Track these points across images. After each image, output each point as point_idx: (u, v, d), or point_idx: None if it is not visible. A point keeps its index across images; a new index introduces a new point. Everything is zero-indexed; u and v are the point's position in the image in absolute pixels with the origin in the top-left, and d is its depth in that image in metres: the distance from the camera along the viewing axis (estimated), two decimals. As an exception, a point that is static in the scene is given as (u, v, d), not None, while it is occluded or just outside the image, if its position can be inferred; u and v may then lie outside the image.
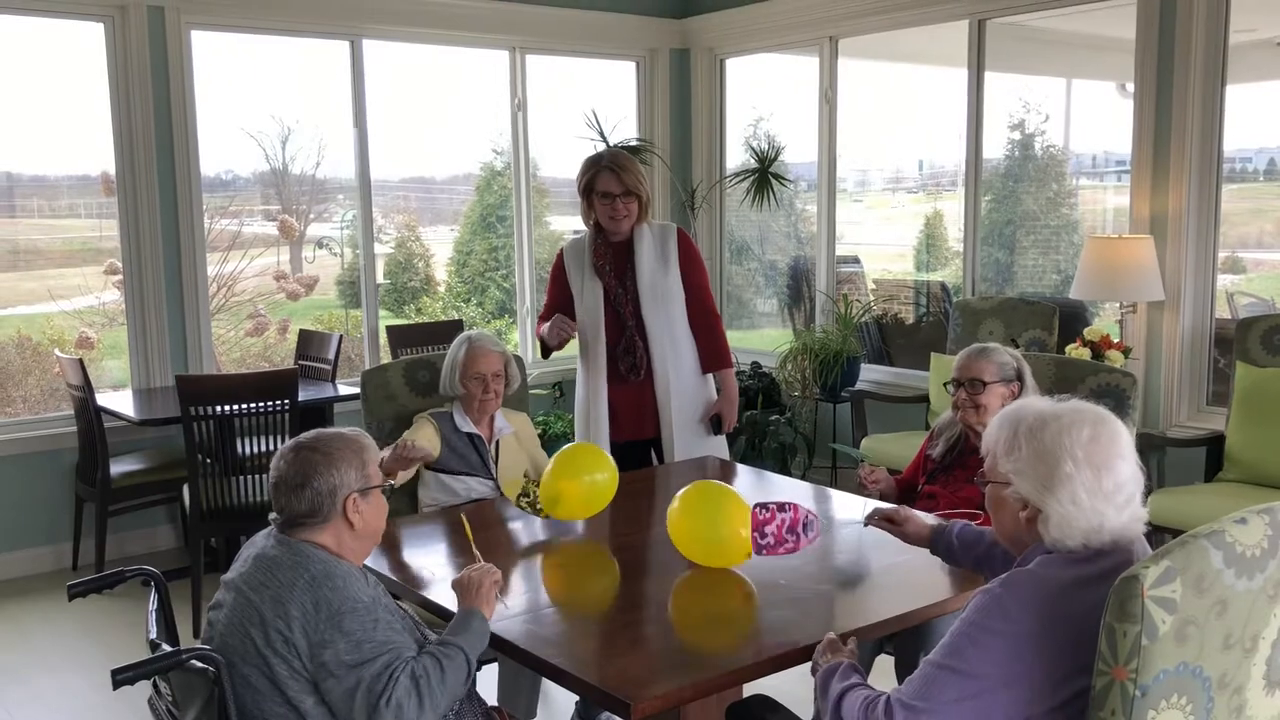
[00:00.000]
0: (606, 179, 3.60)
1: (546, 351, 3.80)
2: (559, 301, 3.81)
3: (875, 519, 2.39)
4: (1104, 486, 1.66)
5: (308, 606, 1.92)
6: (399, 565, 2.62)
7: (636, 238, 3.68)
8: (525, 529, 2.96)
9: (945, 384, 3.03)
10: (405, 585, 2.46)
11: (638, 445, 3.74)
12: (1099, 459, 1.67)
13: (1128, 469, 1.69)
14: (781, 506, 2.22)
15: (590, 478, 2.80)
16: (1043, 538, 1.70)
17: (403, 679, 1.91)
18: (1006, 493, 1.76)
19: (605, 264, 3.69)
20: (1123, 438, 1.71)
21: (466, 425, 3.28)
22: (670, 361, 3.68)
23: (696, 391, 3.75)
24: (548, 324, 3.72)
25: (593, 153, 3.75)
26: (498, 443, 3.34)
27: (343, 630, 1.91)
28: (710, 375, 3.80)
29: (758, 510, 2.21)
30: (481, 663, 2.76)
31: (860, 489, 3.17)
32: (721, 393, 3.80)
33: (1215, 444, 4.23)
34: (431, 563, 2.66)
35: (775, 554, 2.20)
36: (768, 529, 2.22)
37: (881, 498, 3.13)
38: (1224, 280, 5.01)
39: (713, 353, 3.76)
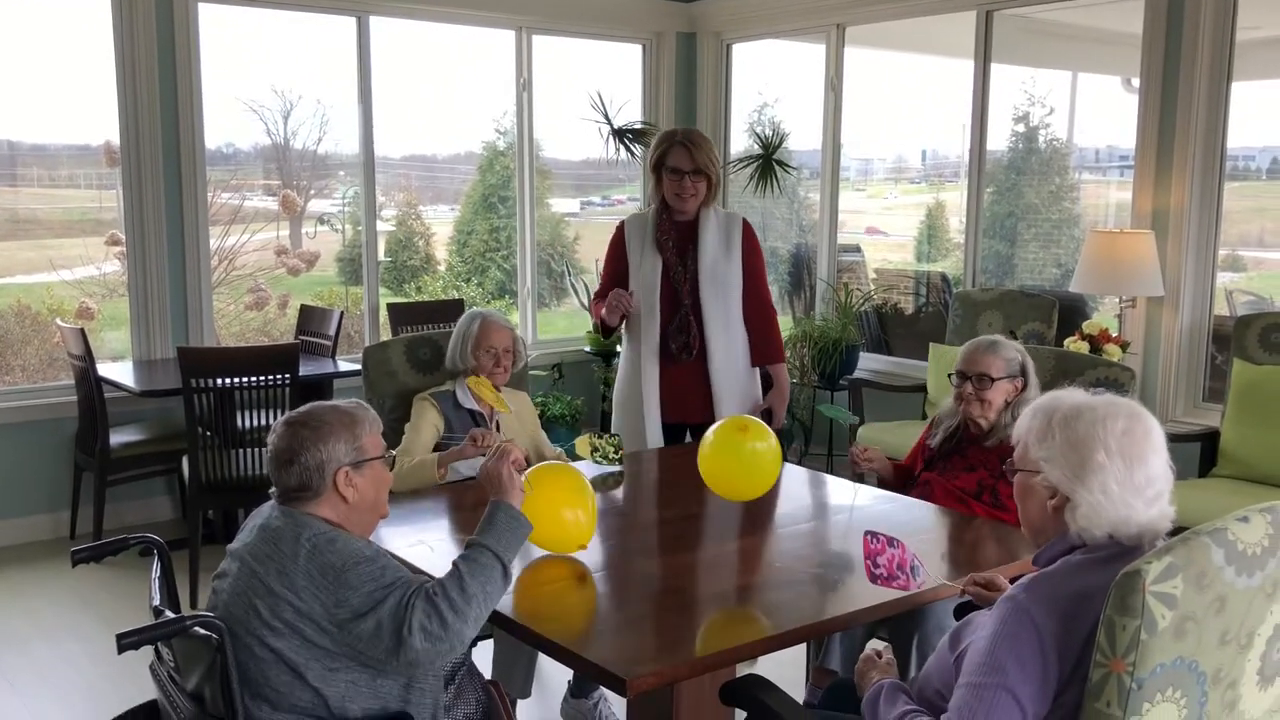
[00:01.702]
0: (679, 154, 3.56)
1: (607, 331, 3.75)
2: (616, 275, 3.76)
3: (970, 586, 2.18)
4: (1135, 479, 1.67)
5: (314, 573, 1.94)
6: (396, 539, 2.63)
7: (702, 220, 3.65)
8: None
9: (950, 374, 3.03)
10: (400, 558, 2.47)
11: (677, 428, 3.72)
12: (1131, 451, 1.68)
13: (1159, 464, 1.70)
14: (891, 541, 2.23)
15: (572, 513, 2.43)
16: (1069, 527, 1.70)
17: (418, 604, 1.91)
18: (1035, 480, 1.76)
19: (668, 239, 3.65)
20: (1156, 433, 1.72)
21: (469, 402, 3.30)
22: (722, 346, 3.64)
23: (745, 382, 3.71)
24: (605, 301, 3.68)
25: (669, 128, 3.68)
26: (498, 421, 3.36)
27: (350, 585, 1.92)
28: (755, 370, 3.77)
29: (869, 538, 2.23)
30: (477, 639, 2.80)
31: (854, 471, 3.17)
32: (774, 387, 3.76)
33: (1210, 440, 4.26)
34: (432, 537, 2.67)
35: (889, 586, 2.21)
36: (880, 559, 2.23)
37: (880, 483, 3.15)
38: (1223, 278, 5.03)
39: (767, 345, 3.73)
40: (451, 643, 1.93)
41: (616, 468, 3.08)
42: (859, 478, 3.18)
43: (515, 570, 2.45)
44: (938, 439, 3.09)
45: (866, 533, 2.25)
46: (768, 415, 3.74)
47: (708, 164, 3.58)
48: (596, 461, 3.06)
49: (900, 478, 3.17)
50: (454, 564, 2.00)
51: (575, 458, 3.12)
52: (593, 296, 4.06)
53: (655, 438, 3.64)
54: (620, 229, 3.79)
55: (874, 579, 2.22)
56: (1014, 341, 3.04)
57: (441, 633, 1.91)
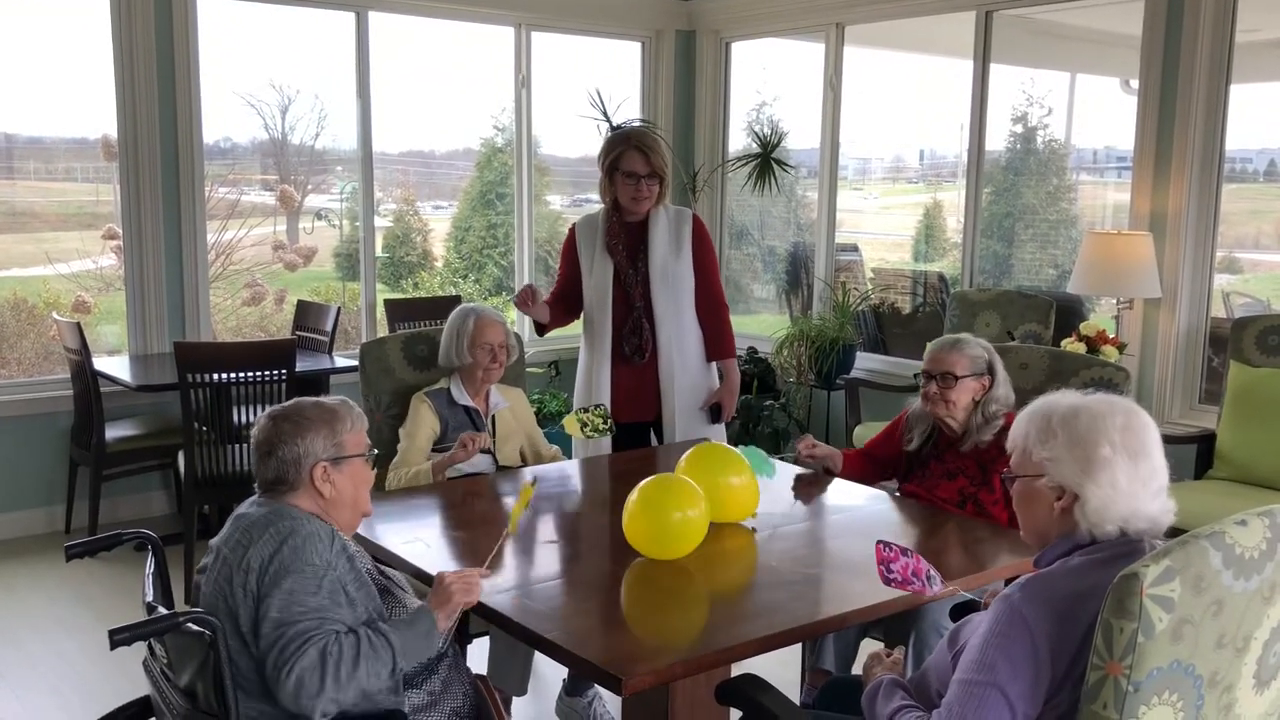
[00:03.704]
0: (633, 158, 3.55)
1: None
2: (568, 278, 3.79)
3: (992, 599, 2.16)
4: (1140, 473, 1.69)
5: (265, 555, 1.95)
6: (391, 536, 2.63)
7: (652, 220, 3.65)
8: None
9: (915, 375, 3.02)
10: (395, 554, 2.47)
11: (636, 427, 3.75)
12: (1134, 445, 1.70)
13: (1160, 459, 1.72)
14: (904, 551, 2.24)
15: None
16: (1078, 525, 1.71)
17: (311, 651, 1.88)
18: (1040, 483, 1.75)
19: (618, 243, 3.67)
20: (1152, 429, 1.74)
21: (464, 399, 3.30)
22: (675, 346, 3.66)
23: (699, 378, 3.74)
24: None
25: (619, 129, 3.69)
26: (493, 417, 3.36)
27: (282, 587, 1.92)
28: (713, 364, 3.79)
29: (882, 546, 2.24)
30: (473, 636, 2.80)
31: (797, 462, 3.20)
32: (723, 382, 3.79)
33: (1206, 442, 4.26)
34: (426, 535, 2.67)
35: (904, 589, 2.22)
36: (893, 565, 2.24)
37: (826, 473, 3.15)
38: (1220, 280, 5.03)
39: (718, 341, 3.75)
40: (313, 707, 1.88)
41: (608, 438, 3.18)
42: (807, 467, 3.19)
43: (514, 556, 2.45)
44: (915, 444, 3.06)
45: (879, 542, 2.25)
46: (717, 409, 3.76)
47: (662, 166, 3.59)
48: (588, 436, 3.13)
49: (867, 465, 3.15)
50: (357, 636, 1.94)
51: (567, 439, 3.16)
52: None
53: (607, 440, 3.62)
54: (571, 233, 3.80)
55: (887, 582, 2.23)
56: (979, 339, 3.00)
57: (314, 692, 1.87)
